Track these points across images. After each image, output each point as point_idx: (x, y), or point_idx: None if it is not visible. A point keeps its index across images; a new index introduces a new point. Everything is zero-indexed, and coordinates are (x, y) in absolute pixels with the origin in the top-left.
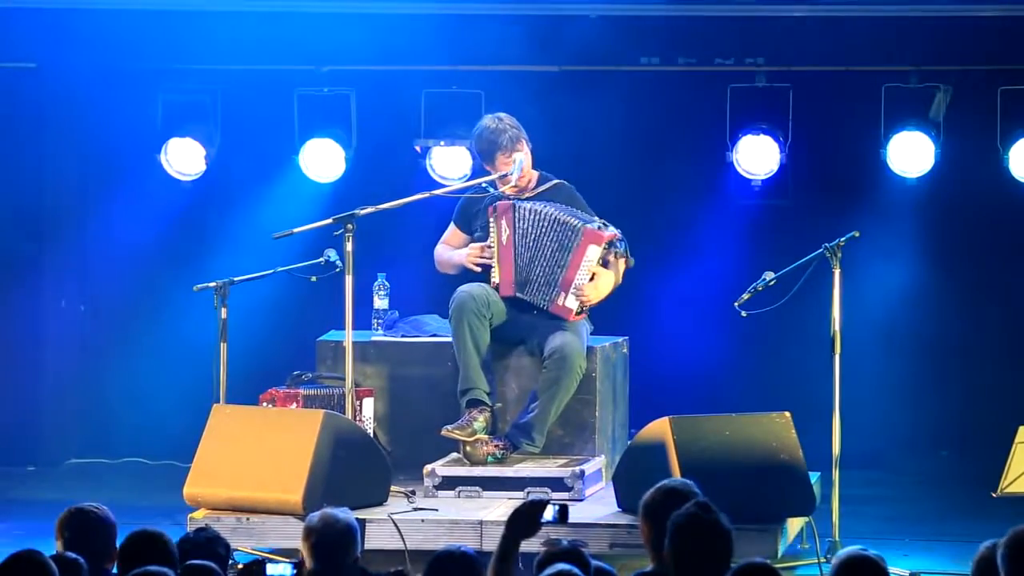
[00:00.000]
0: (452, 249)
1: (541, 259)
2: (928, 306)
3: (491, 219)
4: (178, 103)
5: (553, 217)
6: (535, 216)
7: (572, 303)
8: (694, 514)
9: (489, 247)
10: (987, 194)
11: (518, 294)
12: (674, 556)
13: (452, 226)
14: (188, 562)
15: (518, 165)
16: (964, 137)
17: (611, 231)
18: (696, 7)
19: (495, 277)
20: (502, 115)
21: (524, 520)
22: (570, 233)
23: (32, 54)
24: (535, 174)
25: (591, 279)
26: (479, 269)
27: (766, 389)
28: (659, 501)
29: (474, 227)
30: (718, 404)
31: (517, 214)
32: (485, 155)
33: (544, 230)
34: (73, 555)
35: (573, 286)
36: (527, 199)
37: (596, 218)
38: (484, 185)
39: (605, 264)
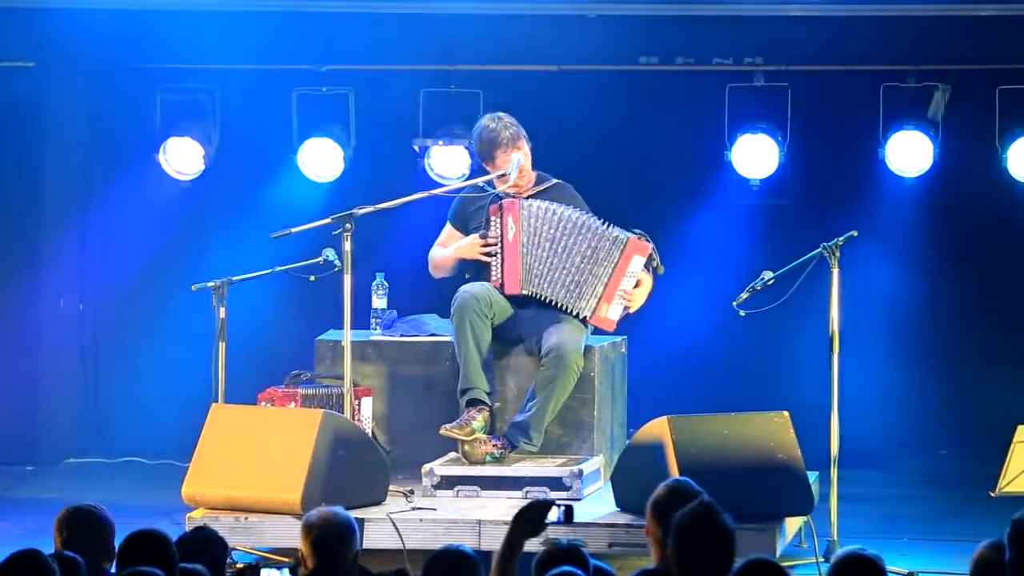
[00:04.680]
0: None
1: (567, 262)
2: (927, 305)
3: (494, 216)
4: (177, 103)
5: (582, 222)
6: (552, 216)
7: (615, 313)
8: (698, 513)
9: (491, 244)
10: (985, 193)
11: (524, 291)
12: (677, 555)
13: (448, 227)
14: (181, 565)
15: (516, 164)
16: (963, 136)
17: (650, 242)
18: (695, 7)
19: (496, 274)
20: (501, 114)
21: (529, 520)
22: (608, 243)
23: (31, 53)
24: (533, 174)
25: (635, 286)
26: (488, 259)
27: (764, 388)
28: (668, 499)
29: (471, 226)
30: (716, 403)
31: (525, 211)
32: (485, 154)
33: (567, 232)
34: (71, 554)
35: (618, 296)
36: (527, 198)
37: (620, 228)
38: (482, 184)
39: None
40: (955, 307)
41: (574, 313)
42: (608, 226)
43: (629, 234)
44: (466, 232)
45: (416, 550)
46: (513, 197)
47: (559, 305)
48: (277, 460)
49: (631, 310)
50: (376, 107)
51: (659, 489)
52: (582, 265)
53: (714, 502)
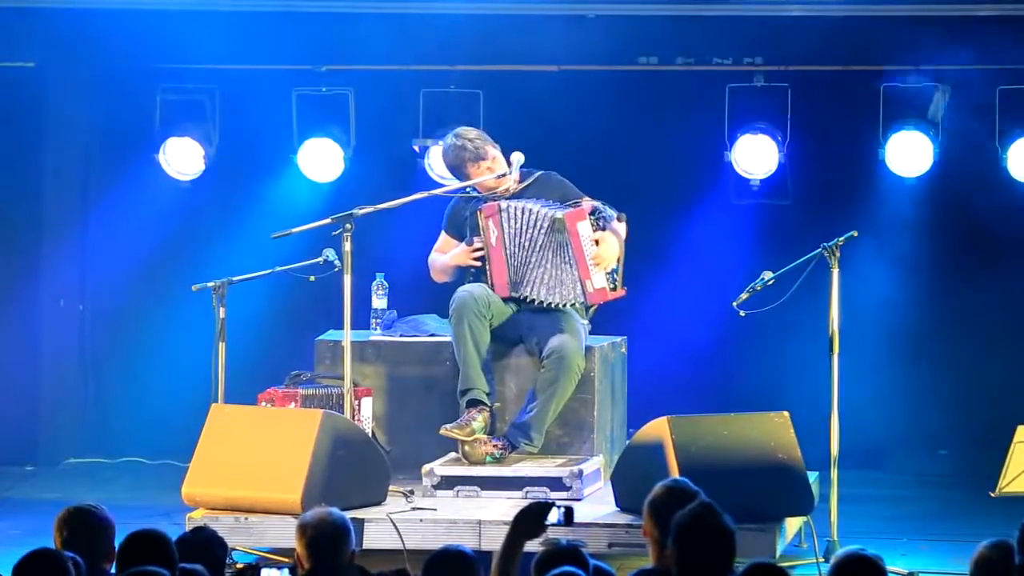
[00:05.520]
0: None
1: (545, 261)
2: (926, 305)
3: (479, 220)
4: (176, 103)
5: (542, 214)
6: (525, 215)
7: (600, 281)
8: (698, 514)
9: (479, 248)
10: (985, 194)
11: (513, 294)
12: (677, 556)
13: (443, 235)
14: (181, 565)
15: (517, 164)
16: (962, 137)
17: (587, 203)
18: (694, 7)
19: (489, 279)
20: (460, 130)
21: (529, 521)
22: (557, 225)
23: (31, 54)
24: (516, 173)
25: (596, 245)
26: (479, 264)
27: (764, 388)
28: (666, 500)
29: (465, 232)
30: (716, 404)
31: (503, 215)
32: (458, 174)
33: (539, 229)
34: (71, 554)
35: (590, 265)
36: (512, 197)
37: (561, 207)
38: (468, 190)
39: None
40: (955, 307)
41: (571, 304)
42: (553, 211)
43: (566, 210)
44: (461, 237)
45: (416, 550)
46: (496, 199)
47: (550, 304)
48: (277, 460)
49: (610, 266)
50: (376, 107)
51: (656, 489)
52: (552, 257)
53: (714, 503)
